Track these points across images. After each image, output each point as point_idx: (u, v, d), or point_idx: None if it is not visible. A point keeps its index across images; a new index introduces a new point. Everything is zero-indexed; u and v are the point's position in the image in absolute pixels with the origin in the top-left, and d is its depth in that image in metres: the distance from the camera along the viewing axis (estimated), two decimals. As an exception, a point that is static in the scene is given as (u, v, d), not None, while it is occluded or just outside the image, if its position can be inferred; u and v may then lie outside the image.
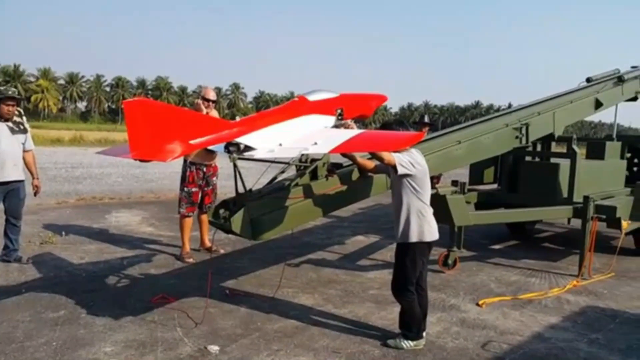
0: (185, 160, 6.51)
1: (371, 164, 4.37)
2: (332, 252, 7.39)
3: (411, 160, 4.03)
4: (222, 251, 7.03)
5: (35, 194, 6.57)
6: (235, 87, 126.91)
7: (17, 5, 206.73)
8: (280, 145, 3.82)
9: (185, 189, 6.51)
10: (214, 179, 6.73)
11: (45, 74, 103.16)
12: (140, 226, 8.68)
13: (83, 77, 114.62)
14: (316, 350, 4.09)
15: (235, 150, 3.75)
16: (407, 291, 4.17)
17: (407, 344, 4.14)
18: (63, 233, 7.71)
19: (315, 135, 3.88)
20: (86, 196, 11.70)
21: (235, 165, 3.91)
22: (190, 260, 6.52)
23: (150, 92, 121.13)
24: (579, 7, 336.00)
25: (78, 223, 8.63)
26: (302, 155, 4.21)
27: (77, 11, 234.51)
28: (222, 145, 3.79)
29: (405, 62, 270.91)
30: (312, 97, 4.29)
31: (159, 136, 3.31)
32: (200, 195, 6.59)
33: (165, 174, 17.40)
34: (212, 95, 6.52)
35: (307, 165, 4.51)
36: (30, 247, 6.88)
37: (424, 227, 4.09)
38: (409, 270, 4.15)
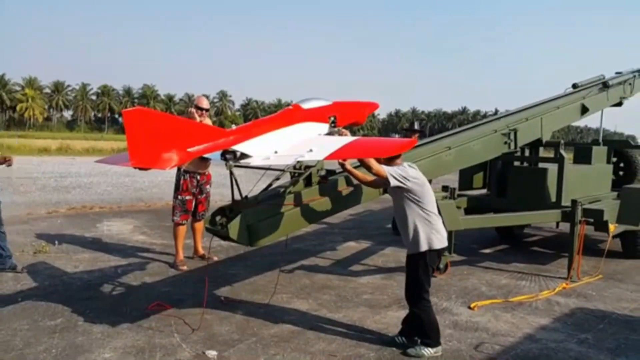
0: (179, 169, 6.54)
1: (370, 177, 4.39)
2: (325, 258, 7.45)
3: (403, 174, 4.12)
4: (215, 259, 7.05)
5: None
6: (223, 94, 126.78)
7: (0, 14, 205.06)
8: (276, 152, 3.90)
9: (179, 197, 6.54)
10: (208, 186, 6.78)
11: (31, 82, 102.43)
12: (132, 235, 8.68)
13: (69, 85, 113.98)
14: (313, 353, 4.15)
15: (231, 157, 3.82)
16: (422, 300, 4.24)
17: (428, 351, 4.16)
18: (56, 242, 7.70)
19: (310, 143, 3.97)
20: (76, 205, 11.66)
21: (231, 173, 3.97)
22: (184, 267, 6.56)
23: (136, 100, 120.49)
24: (567, 12, 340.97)
25: (70, 232, 8.62)
26: (297, 162, 4.28)
27: (62, 20, 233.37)
28: (218, 153, 3.85)
29: (392, 69, 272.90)
30: (306, 105, 4.39)
31: (158, 144, 3.37)
32: (194, 203, 6.63)
33: (155, 182, 17.41)
34: (205, 104, 6.58)
35: (301, 173, 4.59)
36: (24, 257, 6.86)
37: (432, 234, 4.16)
38: (423, 279, 4.22)
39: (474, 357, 4.23)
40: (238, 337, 4.45)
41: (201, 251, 7.02)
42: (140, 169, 3.42)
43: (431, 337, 4.23)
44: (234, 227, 4.03)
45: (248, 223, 4.13)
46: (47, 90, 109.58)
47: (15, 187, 14.52)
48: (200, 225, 6.89)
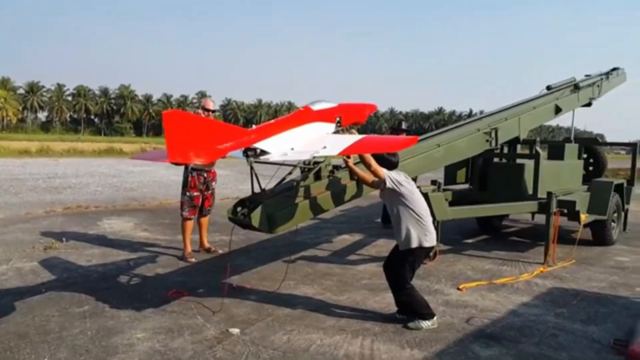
0: (186, 167, 6.95)
1: (370, 177, 4.85)
2: (323, 250, 7.97)
3: (398, 179, 4.69)
4: (220, 252, 7.49)
5: None
6: (202, 95, 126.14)
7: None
8: (292, 149, 4.37)
9: (187, 193, 6.97)
10: (214, 183, 7.23)
11: (4, 83, 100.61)
12: (134, 231, 9.05)
13: (43, 86, 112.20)
14: (325, 329, 4.66)
15: (252, 154, 4.29)
16: (404, 289, 4.80)
17: (425, 324, 4.70)
18: (64, 239, 8.04)
19: (323, 140, 4.46)
20: (71, 205, 11.93)
21: (252, 168, 4.45)
22: (193, 260, 6.99)
23: (113, 100, 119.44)
24: (539, 13, 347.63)
25: (73, 230, 8.96)
26: (313, 157, 4.78)
27: (36, 20, 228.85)
28: (240, 150, 4.31)
29: (370, 70, 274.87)
30: (315, 107, 4.88)
31: (192, 142, 3.81)
32: (201, 199, 7.06)
33: (144, 182, 17.74)
34: (211, 106, 7.05)
35: (311, 168, 5.10)
36: (36, 253, 7.21)
37: (423, 235, 4.69)
38: (407, 272, 4.78)
39: (466, 328, 4.78)
40: (255, 317, 4.93)
41: (206, 244, 7.46)
42: (176, 164, 3.88)
43: (423, 312, 4.76)
44: (255, 216, 4.50)
45: (268, 213, 4.61)
46: (21, 91, 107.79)
47: (5, 189, 14.69)
48: (205, 221, 7.36)
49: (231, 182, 17.86)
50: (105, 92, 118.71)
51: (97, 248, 7.67)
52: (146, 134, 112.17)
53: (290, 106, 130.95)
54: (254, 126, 4.51)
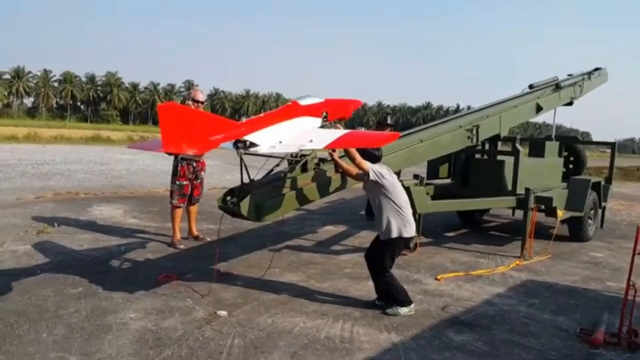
0: (176, 157, 7.14)
1: (354, 170, 5.09)
2: (307, 240, 8.22)
3: (381, 171, 4.94)
4: (208, 239, 7.70)
5: None
6: (189, 84, 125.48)
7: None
8: (280, 142, 4.59)
9: (177, 182, 7.16)
10: (202, 173, 7.43)
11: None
12: (124, 218, 9.23)
13: (29, 72, 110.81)
14: (307, 313, 4.92)
15: (242, 146, 4.50)
16: (383, 277, 5.06)
17: (403, 310, 4.98)
18: (55, 224, 8.19)
19: (309, 134, 4.69)
20: (61, 191, 12.05)
21: (241, 159, 4.67)
22: (182, 246, 7.19)
23: (100, 87, 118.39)
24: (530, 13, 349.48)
25: (64, 215, 9.10)
26: (300, 150, 5.01)
27: (21, 4, 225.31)
28: (231, 142, 4.53)
29: (358, 63, 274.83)
30: (303, 102, 5.11)
31: (186, 134, 4.02)
32: (190, 188, 7.26)
33: (132, 170, 17.84)
34: (200, 97, 7.23)
35: (297, 160, 5.33)
36: (29, 236, 7.37)
37: (403, 225, 4.95)
38: (387, 261, 5.05)
39: (442, 315, 5.06)
40: (242, 301, 5.16)
41: (195, 232, 7.67)
42: (170, 154, 4.09)
43: (401, 299, 5.03)
44: (244, 205, 4.73)
45: (256, 202, 4.84)
46: (7, 77, 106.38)
47: None
48: (194, 209, 7.56)
49: (218, 172, 18.02)
50: (91, 78, 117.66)
51: (89, 233, 7.84)
52: (133, 122, 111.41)
53: (278, 97, 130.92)
54: (243, 119, 4.71)
